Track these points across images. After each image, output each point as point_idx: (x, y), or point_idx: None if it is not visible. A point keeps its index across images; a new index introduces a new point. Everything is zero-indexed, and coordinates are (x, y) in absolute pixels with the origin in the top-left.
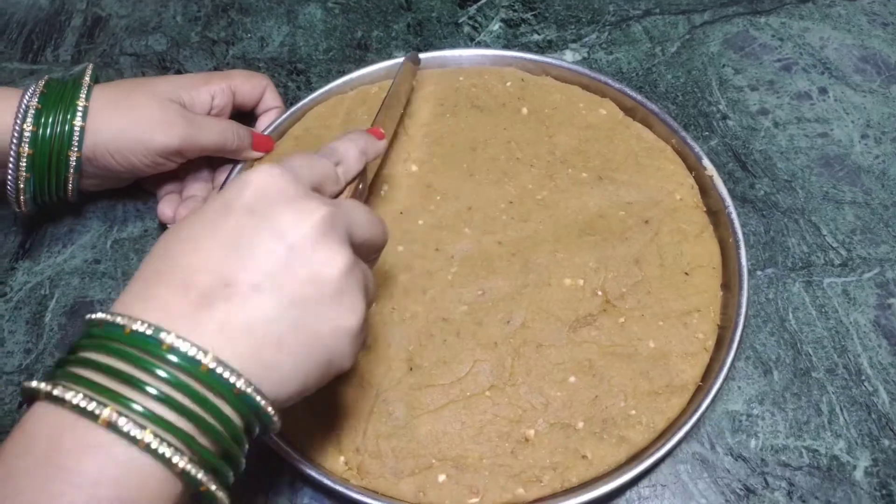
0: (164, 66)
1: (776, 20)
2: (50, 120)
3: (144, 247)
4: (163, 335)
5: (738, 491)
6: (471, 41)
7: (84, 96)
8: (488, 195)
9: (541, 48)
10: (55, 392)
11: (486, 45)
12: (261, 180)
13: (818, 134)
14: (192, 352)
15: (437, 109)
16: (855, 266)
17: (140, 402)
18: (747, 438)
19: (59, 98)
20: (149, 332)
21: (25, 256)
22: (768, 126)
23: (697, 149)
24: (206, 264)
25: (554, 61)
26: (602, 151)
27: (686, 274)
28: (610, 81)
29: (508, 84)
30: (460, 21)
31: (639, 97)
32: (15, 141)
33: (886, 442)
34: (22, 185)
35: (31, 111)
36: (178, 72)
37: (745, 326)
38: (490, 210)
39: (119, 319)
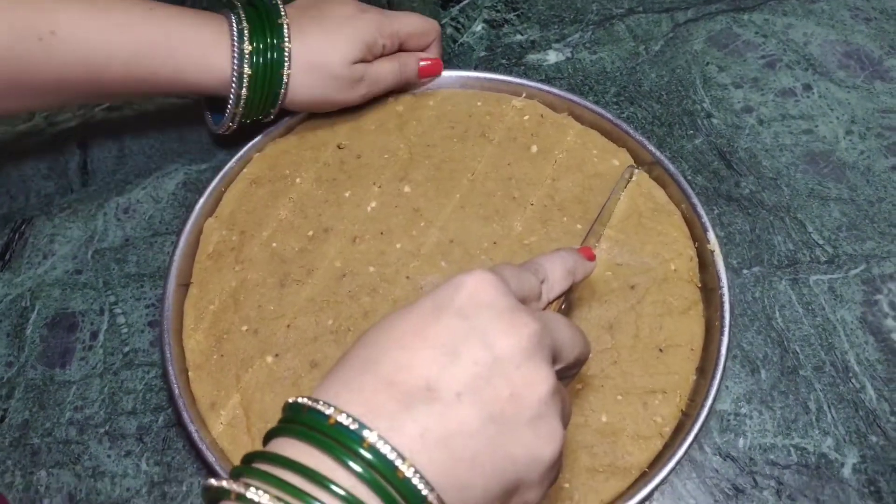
0: None
1: (759, 17)
2: (260, 43)
3: (126, 256)
4: (365, 433)
5: (726, 491)
6: (453, 42)
7: (284, 14)
8: (474, 231)
9: (524, 48)
10: (248, 494)
11: (501, 70)
12: (475, 285)
13: (803, 131)
14: (391, 455)
15: (446, 132)
16: (841, 263)
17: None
18: (735, 438)
19: (260, 19)
20: (353, 426)
21: (5, 268)
22: (753, 124)
23: (706, 219)
24: (411, 363)
25: (578, 100)
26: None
27: (660, 350)
28: (631, 131)
29: (526, 118)
30: (443, 22)
31: (657, 153)
32: (236, 61)
33: (874, 438)
34: (240, 107)
35: (246, 32)
36: None
37: (709, 415)
38: (472, 247)
39: (324, 408)
